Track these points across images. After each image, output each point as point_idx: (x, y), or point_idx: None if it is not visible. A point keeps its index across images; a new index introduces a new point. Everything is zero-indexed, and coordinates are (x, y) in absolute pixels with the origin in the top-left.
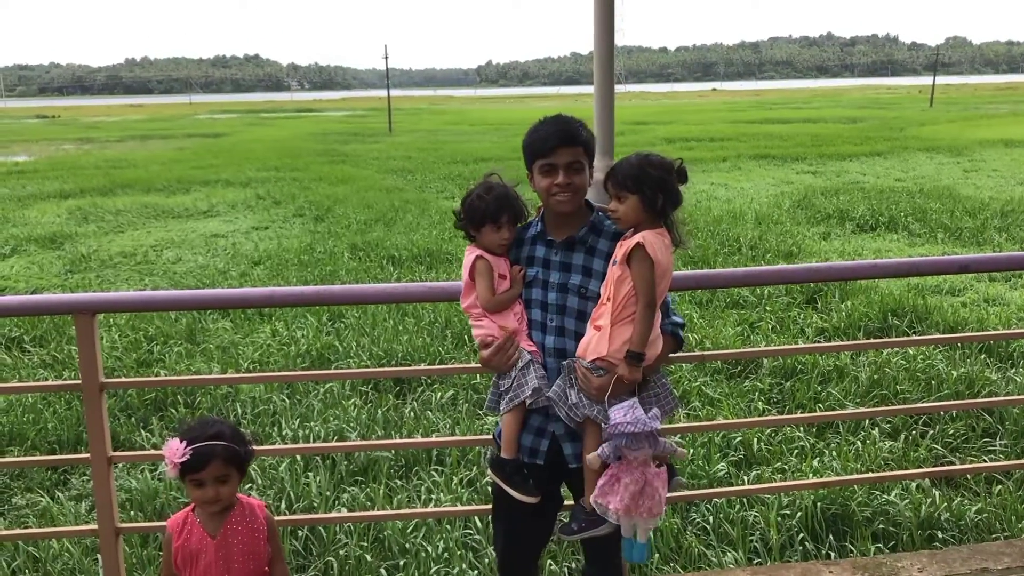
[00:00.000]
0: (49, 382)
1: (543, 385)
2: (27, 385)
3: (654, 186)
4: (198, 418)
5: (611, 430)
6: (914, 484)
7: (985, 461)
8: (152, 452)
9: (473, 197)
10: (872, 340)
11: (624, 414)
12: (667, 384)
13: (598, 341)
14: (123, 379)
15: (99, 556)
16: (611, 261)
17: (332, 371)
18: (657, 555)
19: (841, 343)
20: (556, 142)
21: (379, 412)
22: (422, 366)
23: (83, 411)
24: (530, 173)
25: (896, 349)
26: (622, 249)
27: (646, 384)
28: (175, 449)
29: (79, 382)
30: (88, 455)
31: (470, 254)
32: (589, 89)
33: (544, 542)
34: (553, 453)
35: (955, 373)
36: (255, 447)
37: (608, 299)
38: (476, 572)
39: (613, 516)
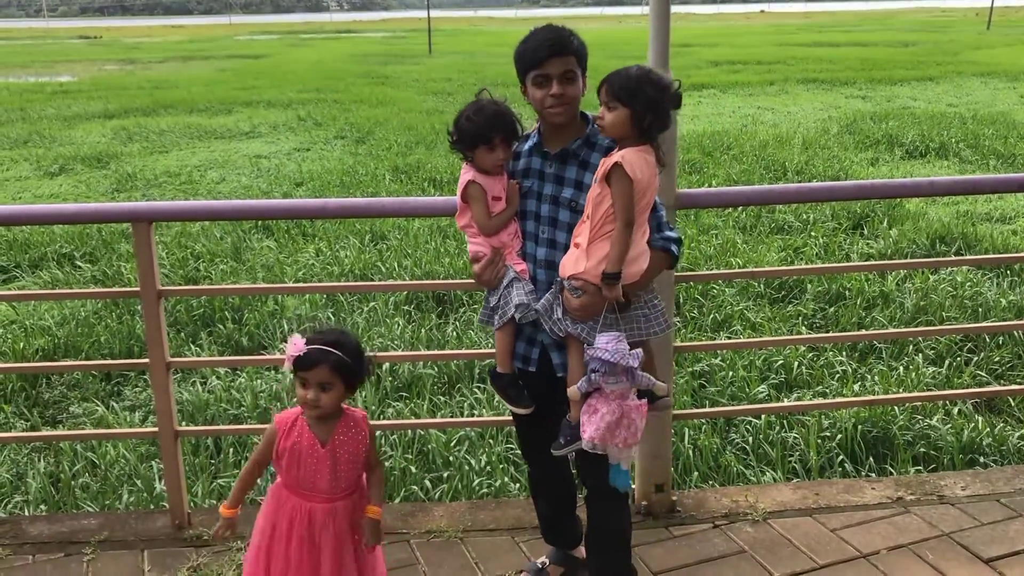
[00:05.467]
0: (109, 289)
1: (529, 301)
2: (89, 292)
3: (646, 104)
4: (329, 328)
5: (591, 352)
6: (956, 408)
7: None
8: (209, 359)
9: (463, 119)
10: (919, 260)
11: (607, 342)
12: (659, 305)
13: (576, 259)
14: (180, 287)
15: (153, 463)
16: (594, 178)
17: (379, 283)
18: (696, 473)
19: (887, 262)
20: (548, 52)
21: (422, 331)
22: (460, 280)
23: (133, 324)
24: (523, 85)
25: (943, 275)
26: (602, 167)
27: (629, 304)
28: (295, 343)
29: (138, 289)
30: (147, 360)
31: (464, 175)
32: (633, 10)
33: (553, 438)
34: (544, 361)
35: (1004, 301)
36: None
37: (588, 217)
38: (517, 485)
39: (588, 444)
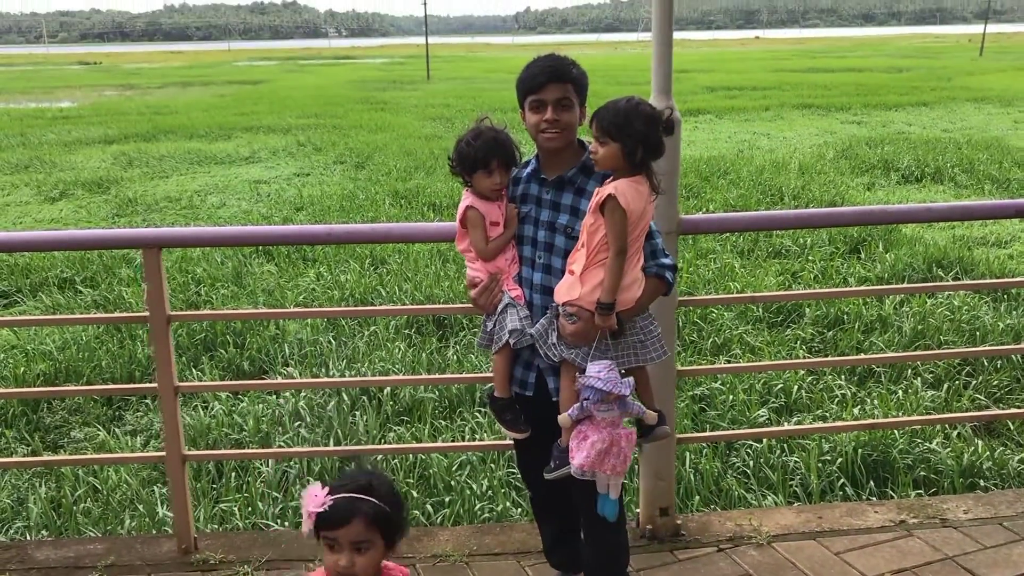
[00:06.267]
0: (118, 314)
1: (523, 326)
2: (97, 317)
3: (636, 138)
4: (353, 469)
5: (583, 380)
6: (956, 432)
7: None
8: (217, 384)
9: (463, 143)
10: (917, 284)
11: (599, 370)
12: (655, 331)
13: (570, 285)
14: (189, 312)
15: (156, 488)
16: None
17: (380, 308)
18: (698, 497)
19: (885, 287)
20: (546, 78)
21: (423, 355)
22: (460, 304)
23: (134, 349)
24: (522, 111)
25: (940, 300)
26: (597, 197)
27: (623, 330)
28: (314, 496)
29: (146, 315)
30: (155, 385)
31: (463, 200)
32: (629, 37)
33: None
34: (541, 385)
35: (1001, 325)
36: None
37: (583, 245)
38: (520, 509)
39: (577, 471)
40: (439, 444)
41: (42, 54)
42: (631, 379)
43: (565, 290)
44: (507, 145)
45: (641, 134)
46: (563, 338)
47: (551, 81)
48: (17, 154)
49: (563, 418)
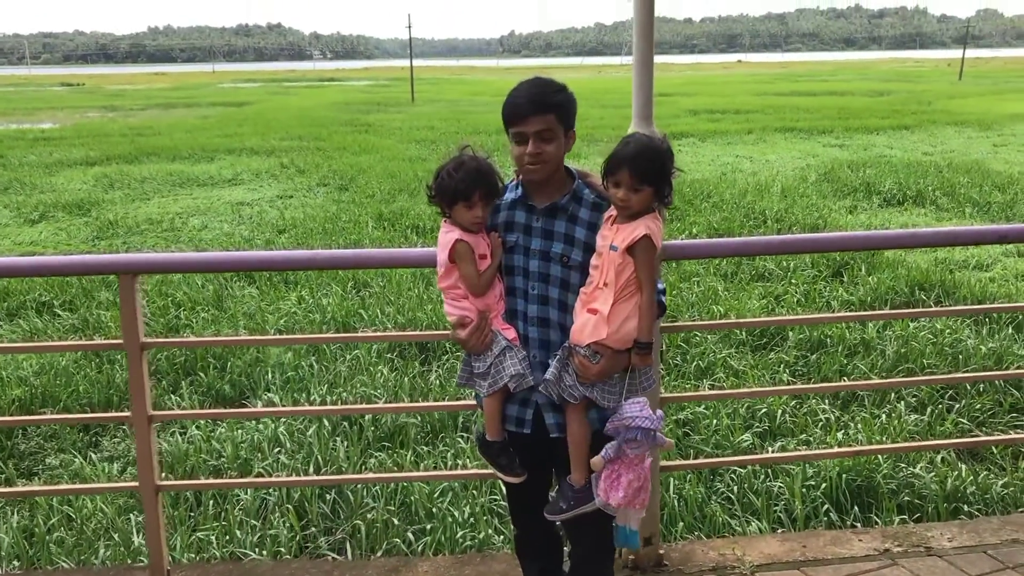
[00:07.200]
0: (93, 341)
1: (523, 370)
2: (72, 344)
3: (668, 178)
4: None
5: (623, 420)
6: (940, 457)
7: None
8: (191, 412)
9: (443, 174)
10: (900, 310)
11: (639, 409)
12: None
13: (595, 325)
14: (164, 339)
15: (132, 516)
16: (609, 246)
17: (362, 335)
18: (682, 524)
19: (868, 312)
20: (526, 110)
21: (405, 379)
22: (443, 331)
23: (112, 374)
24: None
25: (923, 323)
26: (619, 235)
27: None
28: None
29: (121, 341)
30: (128, 414)
31: (448, 233)
32: (613, 60)
33: (545, 498)
34: (538, 422)
35: (983, 348)
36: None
37: (605, 284)
38: (502, 537)
39: (611, 510)
40: (420, 473)
41: (24, 75)
42: (661, 412)
43: (589, 331)
44: (489, 176)
45: (669, 171)
46: (582, 378)
47: (531, 113)
48: None
49: (596, 460)
